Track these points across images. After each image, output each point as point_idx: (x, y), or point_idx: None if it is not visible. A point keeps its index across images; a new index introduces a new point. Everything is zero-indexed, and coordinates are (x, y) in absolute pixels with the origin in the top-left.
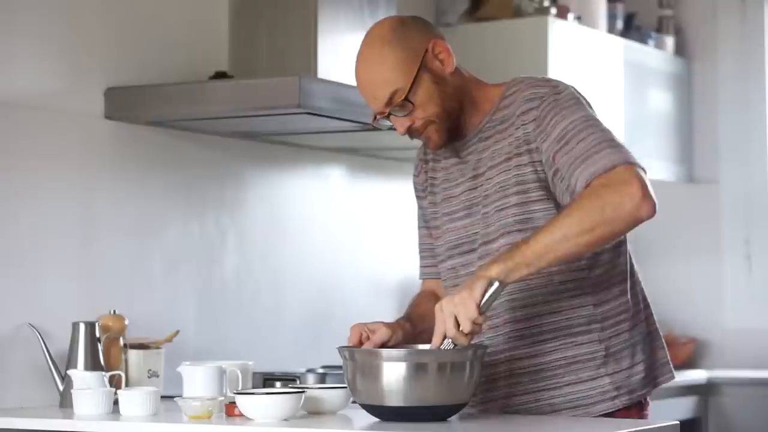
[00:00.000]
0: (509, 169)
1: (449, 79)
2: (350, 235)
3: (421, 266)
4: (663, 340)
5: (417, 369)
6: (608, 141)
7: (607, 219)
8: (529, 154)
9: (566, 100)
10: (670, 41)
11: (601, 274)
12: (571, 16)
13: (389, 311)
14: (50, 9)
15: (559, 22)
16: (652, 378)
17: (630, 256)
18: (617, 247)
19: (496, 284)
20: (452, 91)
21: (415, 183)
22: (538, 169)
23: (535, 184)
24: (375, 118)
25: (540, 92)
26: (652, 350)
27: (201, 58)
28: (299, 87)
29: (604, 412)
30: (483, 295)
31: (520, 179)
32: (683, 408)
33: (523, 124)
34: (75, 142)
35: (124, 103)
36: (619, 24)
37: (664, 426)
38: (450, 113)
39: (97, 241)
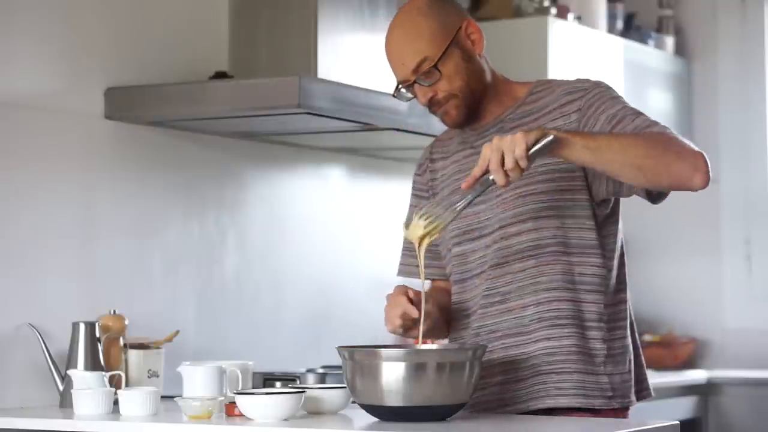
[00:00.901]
0: None
1: (478, 60)
2: (350, 235)
3: (403, 263)
4: (643, 359)
5: (416, 369)
6: (658, 122)
7: (668, 161)
8: None
9: (612, 93)
10: (670, 41)
11: (609, 277)
12: (571, 16)
13: None
14: (50, 9)
15: (559, 22)
16: (638, 390)
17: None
18: (622, 256)
19: (551, 137)
20: (480, 72)
21: (416, 181)
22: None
23: (567, 174)
24: (398, 88)
25: (584, 86)
26: (637, 365)
27: (201, 58)
28: (299, 87)
29: (601, 408)
30: (536, 142)
31: (550, 168)
32: (683, 408)
33: (562, 115)
34: (75, 142)
35: (124, 103)
36: (619, 24)
37: (664, 426)
38: (473, 91)
39: (97, 241)
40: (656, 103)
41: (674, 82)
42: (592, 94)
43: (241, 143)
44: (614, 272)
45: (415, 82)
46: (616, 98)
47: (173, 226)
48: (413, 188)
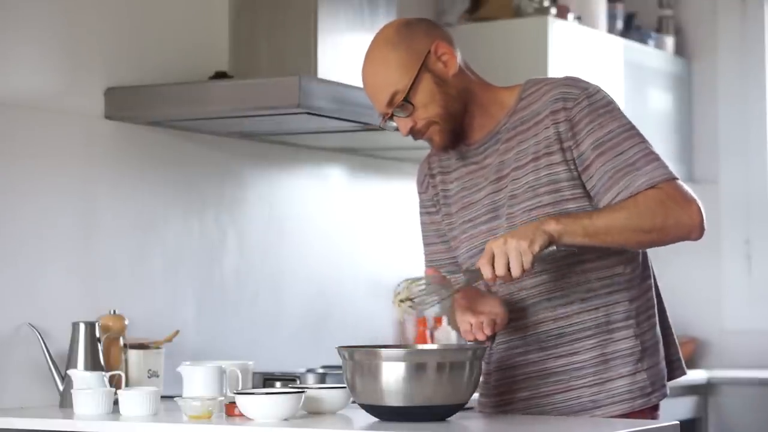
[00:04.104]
0: (539, 169)
1: (452, 81)
2: (350, 235)
3: (426, 257)
4: (675, 336)
5: (416, 369)
6: (649, 153)
7: (665, 227)
8: (562, 152)
9: (601, 105)
10: (670, 41)
11: (634, 269)
12: (571, 16)
13: (389, 311)
14: (50, 9)
15: (559, 22)
16: (670, 371)
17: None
18: None
19: (553, 247)
20: (455, 93)
21: (422, 200)
22: (572, 167)
23: (569, 183)
24: (383, 119)
25: (572, 93)
26: (669, 344)
27: (201, 58)
28: (299, 87)
29: (642, 408)
30: (542, 250)
31: (552, 178)
32: (683, 408)
33: (554, 123)
34: (75, 142)
35: (124, 103)
36: (619, 24)
37: (664, 426)
38: (453, 114)
39: (97, 241)
40: (656, 103)
41: (674, 82)
42: (581, 107)
43: (240, 143)
44: (637, 262)
45: (392, 115)
46: (604, 112)
47: (173, 226)
48: (421, 207)
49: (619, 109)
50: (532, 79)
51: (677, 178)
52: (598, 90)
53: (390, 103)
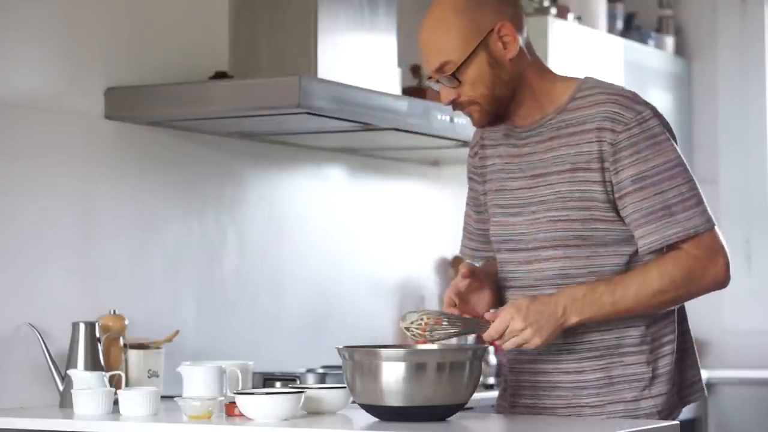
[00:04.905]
0: (574, 181)
1: (507, 65)
2: (350, 235)
3: (463, 245)
4: (696, 356)
5: (416, 369)
6: (689, 197)
7: (690, 294)
8: (602, 172)
9: (651, 135)
10: (670, 41)
11: None
12: (571, 16)
13: (389, 311)
14: (50, 9)
15: (559, 22)
16: (684, 396)
17: None
18: None
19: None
20: (507, 77)
21: (468, 163)
22: (608, 189)
23: (602, 204)
24: (429, 78)
25: (624, 116)
26: (686, 367)
27: (201, 58)
28: (299, 87)
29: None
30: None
31: (586, 195)
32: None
33: (599, 140)
34: (75, 142)
35: (124, 103)
36: (619, 24)
37: (664, 426)
38: (498, 99)
39: (97, 241)
40: (656, 103)
41: (674, 82)
42: (630, 134)
43: (240, 143)
44: None
45: (437, 81)
46: (652, 144)
47: (173, 226)
48: (467, 169)
49: (669, 140)
50: (591, 79)
51: (712, 227)
52: (652, 116)
53: (439, 69)
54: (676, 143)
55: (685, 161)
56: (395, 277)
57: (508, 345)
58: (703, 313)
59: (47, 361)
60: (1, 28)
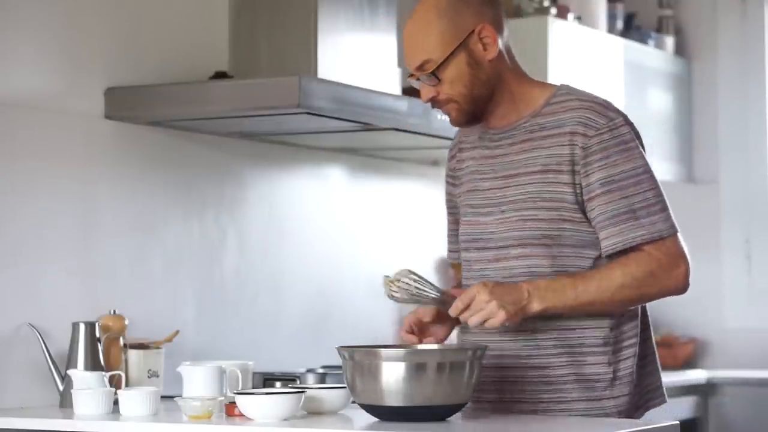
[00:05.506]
0: (545, 182)
1: (486, 66)
2: (350, 235)
3: (449, 250)
4: (658, 363)
5: (416, 369)
6: (655, 203)
7: (650, 295)
8: (572, 174)
9: (621, 141)
10: (670, 41)
11: None
12: (571, 16)
13: (388, 311)
14: (50, 9)
15: (559, 22)
16: (645, 401)
17: None
18: None
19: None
20: (486, 78)
21: (447, 168)
22: (578, 191)
23: (571, 205)
24: (410, 75)
25: (596, 122)
26: (648, 373)
27: (201, 58)
28: (299, 87)
29: None
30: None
31: (556, 196)
32: (683, 408)
33: (570, 144)
34: (75, 142)
35: (124, 103)
36: (619, 24)
37: (664, 426)
38: (476, 98)
39: (97, 241)
40: (656, 103)
41: (674, 82)
42: (601, 139)
43: (240, 143)
44: None
45: (418, 78)
46: (622, 150)
47: (173, 226)
48: (445, 173)
49: (638, 147)
50: (566, 86)
51: (675, 233)
52: (623, 124)
53: (419, 67)
54: (645, 151)
55: (652, 169)
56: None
57: (474, 319)
58: (703, 313)
59: (47, 361)
60: (1, 28)
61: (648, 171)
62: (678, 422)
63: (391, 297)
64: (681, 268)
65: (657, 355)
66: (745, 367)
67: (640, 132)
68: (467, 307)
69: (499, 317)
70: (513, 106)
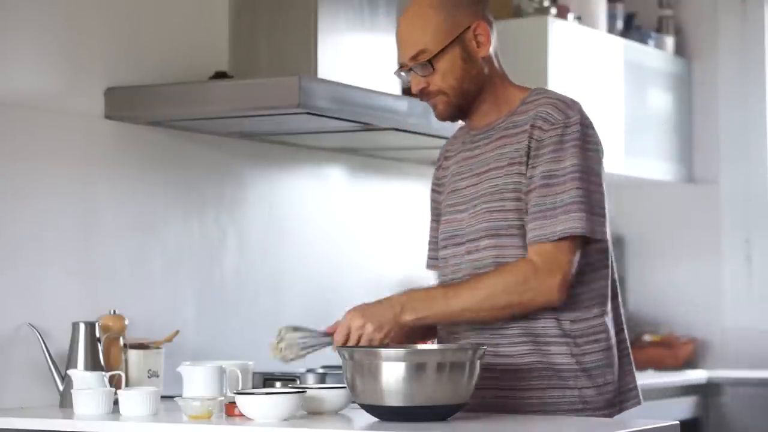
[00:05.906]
0: (510, 174)
1: (478, 63)
2: (350, 235)
3: (428, 257)
4: (633, 366)
5: (416, 369)
6: (580, 203)
7: (521, 303)
8: (526, 166)
9: (571, 139)
10: (670, 41)
11: (580, 293)
12: (571, 16)
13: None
14: (50, 9)
15: (559, 22)
16: (619, 401)
17: (616, 281)
18: (597, 270)
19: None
20: (476, 73)
21: (433, 177)
22: (524, 181)
23: (525, 195)
24: (399, 68)
25: (553, 117)
26: (623, 374)
27: (201, 58)
28: (299, 87)
29: None
30: (389, 336)
31: (518, 187)
32: (683, 408)
33: (529, 137)
34: (75, 142)
35: (124, 103)
36: (619, 24)
37: (664, 426)
38: (465, 93)
39: (97, 241)
40: (656, 103)
41: (674, 82)
42: (554, 134)
43: (240, 143)
44: (585, 288)
45: (410, 69)
46: (570, 147)
47: (173, 226)
48: (432, 182)
49: (586, 149)
50: (539, 89)
51: (572, 237)
52: (579, 122)
53: (414, 57)
54: (597, 156)
55: (597, 172)
56: (395, 277)
57: (360, 343)
58: (703, 313)
59: (47, 361)
60: (1, 28)
61: (589, 171)
62: (678, 422)
63: (283, 359)
64: (556, 278)
65: (632, 358)
66: (745, 367)
67: (601, 139)
68: (347, 336)
69: (376, 337)
70: (495, 107)
